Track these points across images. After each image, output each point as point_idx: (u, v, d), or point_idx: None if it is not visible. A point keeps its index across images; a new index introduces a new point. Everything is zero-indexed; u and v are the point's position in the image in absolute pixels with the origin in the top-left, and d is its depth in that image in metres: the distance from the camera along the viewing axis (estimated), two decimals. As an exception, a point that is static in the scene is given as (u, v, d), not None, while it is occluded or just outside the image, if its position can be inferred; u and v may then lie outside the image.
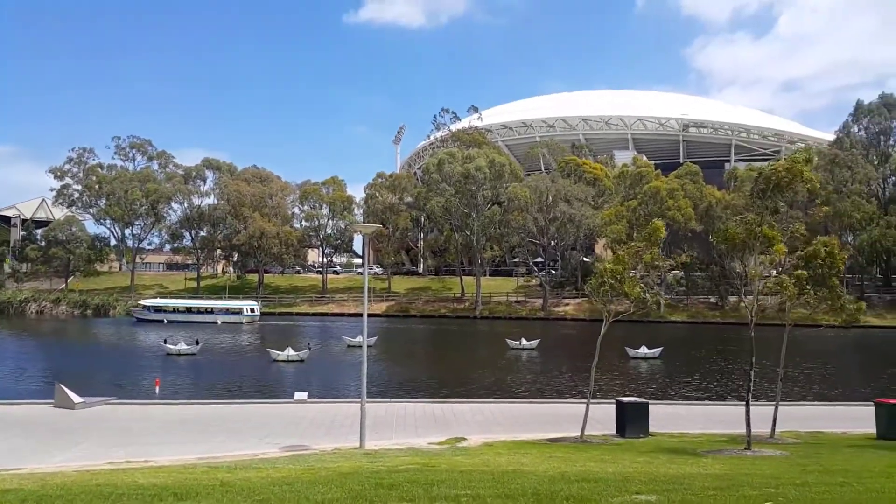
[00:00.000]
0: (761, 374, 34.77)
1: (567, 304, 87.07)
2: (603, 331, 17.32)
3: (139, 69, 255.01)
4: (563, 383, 34.02)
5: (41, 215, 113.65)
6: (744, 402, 15.57)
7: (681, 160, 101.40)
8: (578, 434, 18.23)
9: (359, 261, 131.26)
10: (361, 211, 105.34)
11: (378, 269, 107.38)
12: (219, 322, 74.55)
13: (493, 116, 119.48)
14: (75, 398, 22.68)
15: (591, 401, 18.66)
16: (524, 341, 49.27)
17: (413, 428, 20.59)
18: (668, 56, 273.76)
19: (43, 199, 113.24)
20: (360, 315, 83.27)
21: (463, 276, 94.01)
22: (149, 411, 22.64)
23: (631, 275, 17.08)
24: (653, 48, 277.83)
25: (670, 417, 21.62)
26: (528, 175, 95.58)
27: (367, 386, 32.27)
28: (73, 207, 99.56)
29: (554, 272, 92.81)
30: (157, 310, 79.41)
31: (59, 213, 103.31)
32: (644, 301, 16.15)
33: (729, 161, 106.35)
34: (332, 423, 21.26)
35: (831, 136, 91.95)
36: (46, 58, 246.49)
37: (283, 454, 16.28)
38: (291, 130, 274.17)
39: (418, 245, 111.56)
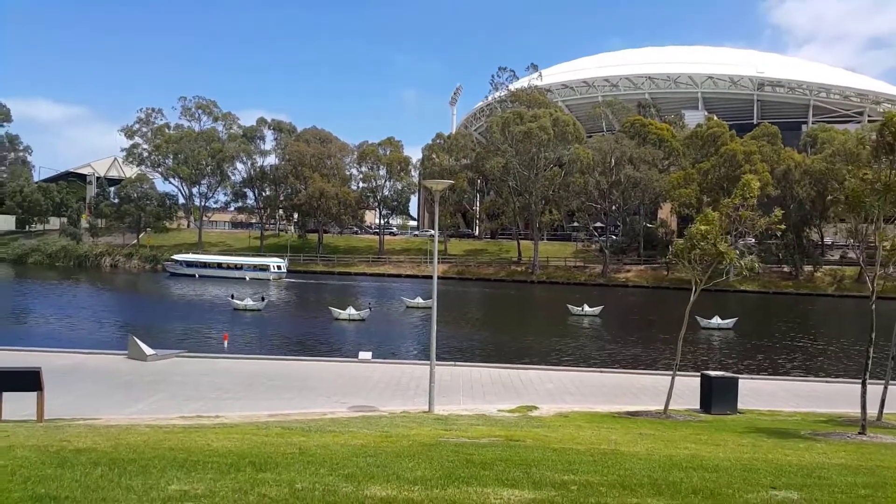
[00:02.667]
0: (856, 351, 32.82)
1: (629, 271, 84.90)
2: (693, 298, 16.06)
3: (201, 34, 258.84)
4: (630, 353, 32.83)
5: (114, 173, 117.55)
6: (833, 379, 14.21)
7: (754, 121, 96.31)
8: (659, 408, 17.19)
9: (414, 223, 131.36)
10: (417, 172, 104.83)
11: (434, 232, 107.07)
12: (247, 278, 76.68)
13: (552, 76, 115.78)
14: (147, 350, 22.97)
15: (666, 372, 17.53)
16: (587, 307, 48.04)
17: (481, 394, 19.97)
18: (741, 11, 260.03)
19: (115, 158, 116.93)
20: (417, 276, 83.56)
21: (520, 240, 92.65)
22: (217, 365, 22.72)
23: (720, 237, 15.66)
24: (725, 2, 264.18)
25: (753, 393, 20.30)
26: (590, 137, 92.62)
27: (426, 348, 32.10)
28: (143, 166, 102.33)
29: (615, 237, 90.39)
30: (190, 265, 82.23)
31: (130, 171, 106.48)
32: (752, 267, 14.74)
33: (806, 122, 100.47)
34: (397, 384, 20.88)
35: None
36: (115, 28, 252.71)
37: (352, 415, 15.90)
38: (349, 93, 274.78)
39: (474, 208, 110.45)
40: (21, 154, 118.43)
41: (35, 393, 13.39)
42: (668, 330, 40.87)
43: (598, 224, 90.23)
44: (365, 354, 24.54)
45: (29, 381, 13.40)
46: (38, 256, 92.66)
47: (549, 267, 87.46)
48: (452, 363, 24.31)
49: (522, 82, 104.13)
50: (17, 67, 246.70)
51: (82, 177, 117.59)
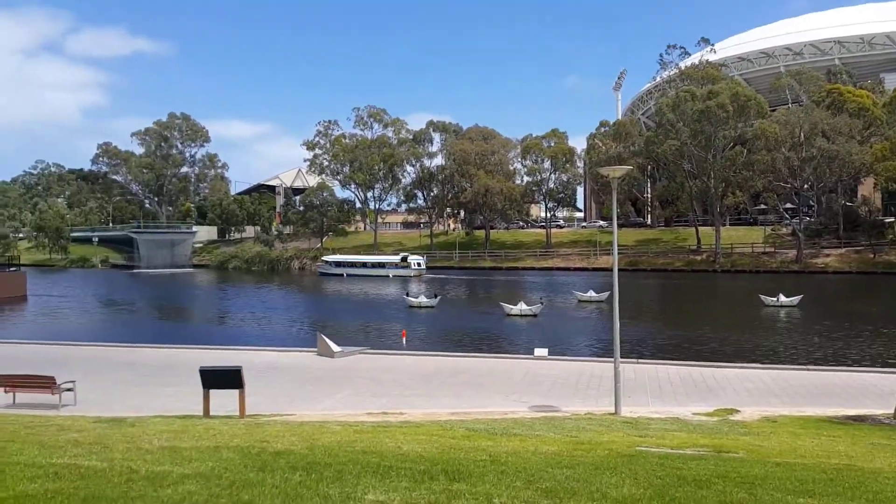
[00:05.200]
0: None
1: (828, 256, 76.20)
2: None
3: (370, 44, 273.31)
4: (839, 348, 28.97)
5: (298, 183, 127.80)
6: None
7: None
8: (887, 412, 14.74)
9: (580, 214, 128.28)
10: (583, 162, 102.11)
11: (602, 222, 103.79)
12: (390, 275, 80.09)
13: (726, 49, 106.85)
14: (335, 347, 24.18)
15: (893, 370, 14.92)
16: (782, 297, 43.52)
17: (670, 394, 18.50)
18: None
19: (299, 169, 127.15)
20: (586, 269, 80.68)
21: (698, 227, 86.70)
22: (398, 362, 23.32)
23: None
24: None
25: None
26: (773, 111, 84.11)
27: (603, 344, 30.72)
28: (323, 175, 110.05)
29: (809, 219, 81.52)
30: (338, 265, 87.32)
31: (313, 180, 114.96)
32: None
33: None
34: (577, 383, 19.97)
35: None
36: (295, 47, 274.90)
37: (533, 415, 15.36)
38: (511, 88, 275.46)
39: (645, 195, 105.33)
40: (219, 171, 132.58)
41: (237, 389, 14.37)
42: (888, 321, 35.78)
43: (789, 205, 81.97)
44: (541, 351, 23.87)
45: (232, 378, 14.39)
46: (237, 262, 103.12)
47: (733, 254, 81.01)
48: (636, 360, 22.88)
49: (693, 59, 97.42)
50: (213, 94, 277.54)
51: (271, 188, 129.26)
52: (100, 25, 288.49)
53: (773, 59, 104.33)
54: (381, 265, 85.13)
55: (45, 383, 16.55)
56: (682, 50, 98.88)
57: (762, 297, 44.66)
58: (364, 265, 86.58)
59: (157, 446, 8.27)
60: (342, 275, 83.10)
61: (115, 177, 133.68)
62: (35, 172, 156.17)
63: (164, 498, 5.59)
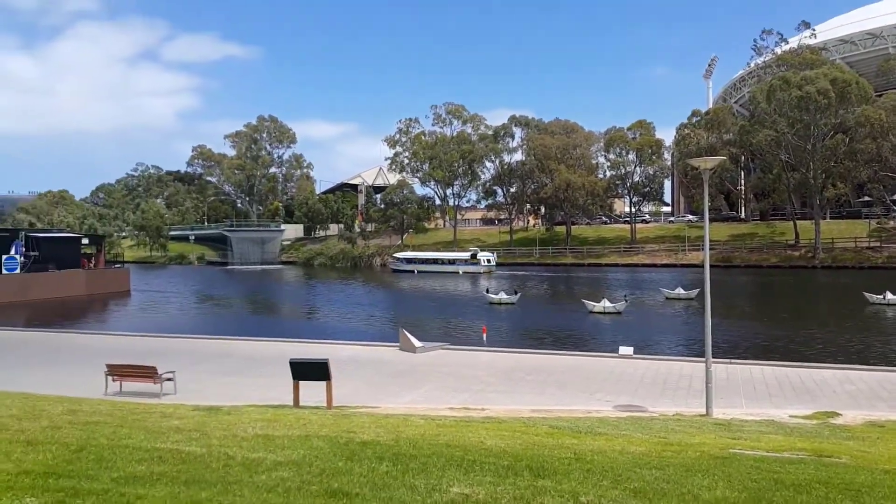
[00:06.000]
0: None
1: (942, 250, 70.46)
2: None
3: (448, 40, 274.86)
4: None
5: (380, 181, 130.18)
6: None
7: None
8: None
9: (667, 209, 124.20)
10: (670, 154, 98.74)
11: (691, 217, 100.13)
12: (460, 272, 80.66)
13: (827, 32, 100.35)
14: (416, 343, 24.50)
15: None
16: (889, 295, 40.64)
17: (765, 396, 17.64)
18: None
19: (380, 168, 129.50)
20: (673, 266, 78.20)
21: (796, 220, 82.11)
22: (479, 358, 23.35)
23: None
24: None
25: None
26: (879, 95, 78.38)
27: (692, 344, 29.62)
28: (404, 172, 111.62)
29: (921, 211, 75.68)
30: (409, 261, 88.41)
31: (393, 178, 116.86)
32: None
33: None
34: (664, 382, 19.37)
35: None
36: (376, 48, 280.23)
37: (619, 414, 15.02)
38: (594, 79, 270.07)
39: (738, 188, 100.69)
40: (305, 170, 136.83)
41: (324, 381, 14.81)
42: None
43: (896, 197, 76.42)
44: (626, 349, 23.29)
45: (320, 370, 14.85)
46: (322, 259, 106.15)
47: (834, 249, 76.31)
48: (728, 360, 21.94)
49: (791, 43, 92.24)
50: (298, 95, 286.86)
51: (354, 186, 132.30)
52: (193, 32, 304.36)
53: (880, 39, 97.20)
54: (451, 262, 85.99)
55: (148, 373, 17.64)
56: (779, 35, 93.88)
57: (866, 294, 41.85)
58: (434, 262, 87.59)
59: (251, 434, 8.64)
60: (413, 271, 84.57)
61: (209, 178, 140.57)
62: (136, 175, 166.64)
63: (259, 483, 5.83)
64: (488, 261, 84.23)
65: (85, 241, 66.19)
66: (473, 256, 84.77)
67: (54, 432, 8.50)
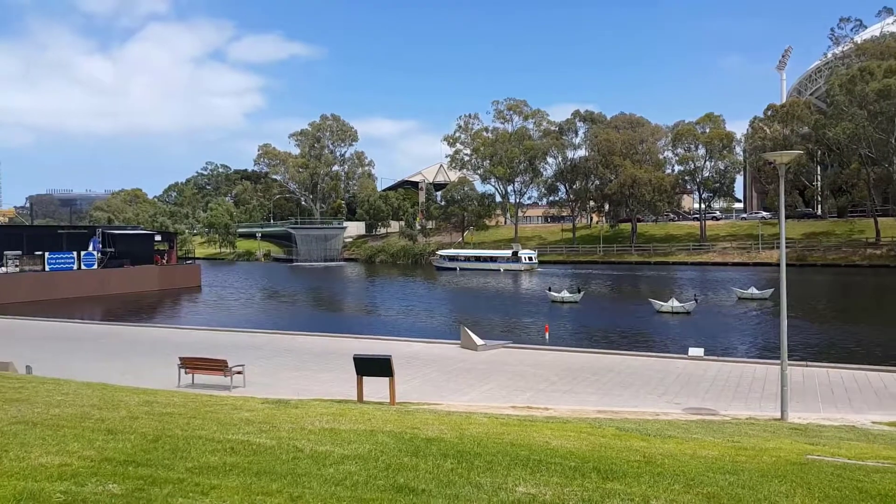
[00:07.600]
0: None
1: None
2: None
3: (510, 40, 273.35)
4: None
5: (440, 178, 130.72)
6: None
7: None
8: None
9: (739, 205, 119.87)
10: (742, 149, 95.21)
11: (765, 213, 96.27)
12: (501, 270, 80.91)
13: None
14: (478, 341, 24.46)
15: None
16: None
17: (844, 400, 16.80)
18: None
19: (440, 165, 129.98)
20: (745, 264, 75.76)
21: (877, 217, 77.84)
22: (542, 357, 23.12)
23: None
24: None
25: None
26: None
27: (766, 345, 28.46)
28: (464, 169, 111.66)
29: None
30: (452, 259, 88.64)
31: (454, 175, 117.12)
32: None
33: None
34: (737, 385, 18.69)
35: None
36: (436, 46, 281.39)
37: (689, 417, 14.57)
38: (662, 73, 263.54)
39: (814, 183, 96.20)
40: (367, 168, 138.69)
41: (387, 377, 14.94)
42: None
43: None
44: (696, 350, 22.59)
45: (383, 367, 15.00)
46: (384, 256, 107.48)
47: (918, 248, 71.99)
48: (804, 363, 20.99)
49: (873, 31, 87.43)
50: (360, 93, 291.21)
51: (414, 184, 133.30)
52: (259, 32, 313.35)
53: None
54: (493, 259, 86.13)
55: (219, 366, 18.25)
56: (858, 22, 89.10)
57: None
58: (476, 259, 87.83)
59: (318, 427, 8.79)
60: (455, 269, 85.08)
61: (274, 176, 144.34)
62: (205, 173, 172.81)
63: (326, 476, 5.91)
64: (529, 258, 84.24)
65: (157, 237, 69.04)
66: (515, 254, 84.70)
67: (132, 422, 8.87)
